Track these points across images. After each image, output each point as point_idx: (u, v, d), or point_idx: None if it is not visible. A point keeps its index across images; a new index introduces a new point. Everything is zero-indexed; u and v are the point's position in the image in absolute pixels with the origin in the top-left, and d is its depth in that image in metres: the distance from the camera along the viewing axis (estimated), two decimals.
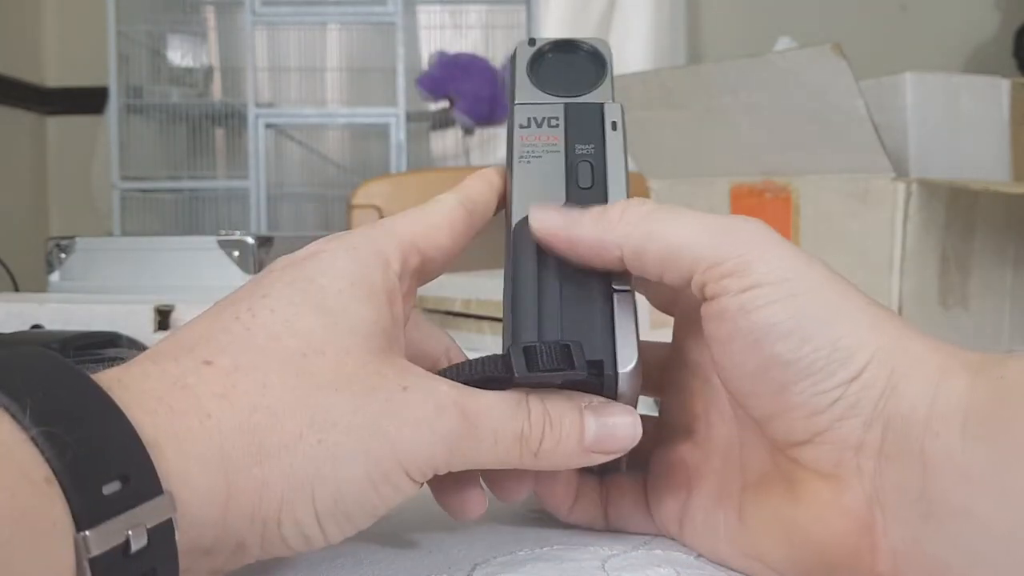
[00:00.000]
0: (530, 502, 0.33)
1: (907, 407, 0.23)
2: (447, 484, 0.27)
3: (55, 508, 0.17)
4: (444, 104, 2.19)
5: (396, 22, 2.26)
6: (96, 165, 2.45)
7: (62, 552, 0.17)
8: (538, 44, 0.33)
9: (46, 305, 0.62)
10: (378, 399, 0.22)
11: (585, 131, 0.30)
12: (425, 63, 2.29)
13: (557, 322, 0.26)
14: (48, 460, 0.17)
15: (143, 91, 2.37)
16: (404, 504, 0.34)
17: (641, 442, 0.26)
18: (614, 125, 0.30)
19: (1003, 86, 0.72)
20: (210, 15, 2.49)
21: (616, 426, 0.25)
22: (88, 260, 1.02)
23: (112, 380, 0.20)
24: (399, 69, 2.26)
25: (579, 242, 0.25)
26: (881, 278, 0.64)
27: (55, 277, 1.03)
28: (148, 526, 0.18)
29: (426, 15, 2.42)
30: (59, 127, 2.73)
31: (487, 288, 0.71)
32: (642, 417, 0.27)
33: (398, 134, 2.29)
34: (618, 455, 0.25)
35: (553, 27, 2.55)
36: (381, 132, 2.35)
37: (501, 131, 2.15)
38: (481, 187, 0.29)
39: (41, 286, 1.05)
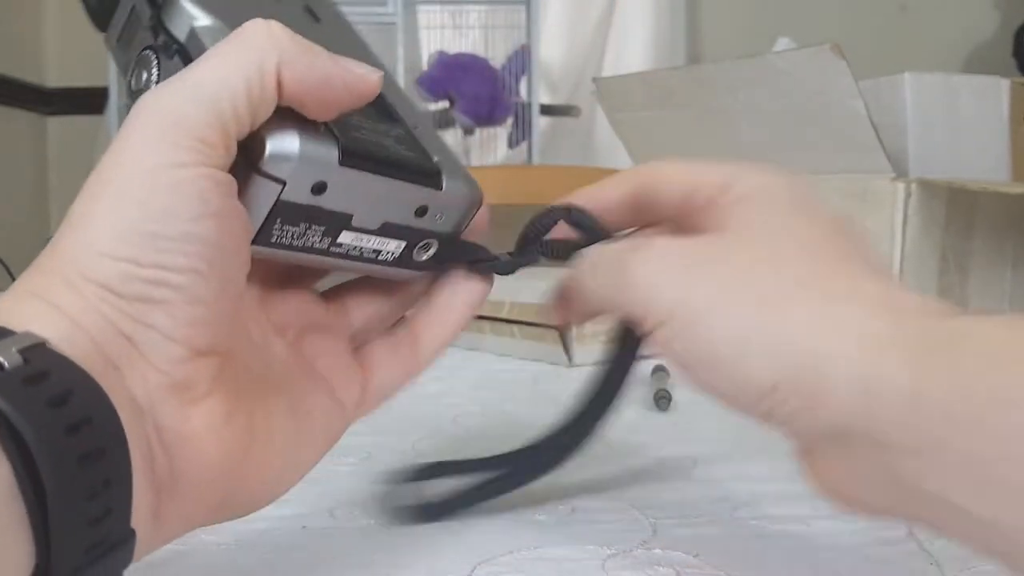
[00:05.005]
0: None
1: (837, 413, 0.22)
2: None
3: None
4: (444, 104, 2.19)
5: (396, 22, 2.26)
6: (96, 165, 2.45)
7: None
8: None
9: None
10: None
11: None
12: (425, 63, 2.29)
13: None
14: None
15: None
16: None
17: None
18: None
19: (1003, 86, 0.73)
20: None
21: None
22: None
23: None
24: (399, 69, 2.26)
25: None
26: None
27: None
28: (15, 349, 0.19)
29: (426, 15, 2.42)
30: (59, 127, 2.73)
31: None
32: None
33: None
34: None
35: (553, 27, 2.55)
36: None
37: (501, 131, 2.15)
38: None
39: None
